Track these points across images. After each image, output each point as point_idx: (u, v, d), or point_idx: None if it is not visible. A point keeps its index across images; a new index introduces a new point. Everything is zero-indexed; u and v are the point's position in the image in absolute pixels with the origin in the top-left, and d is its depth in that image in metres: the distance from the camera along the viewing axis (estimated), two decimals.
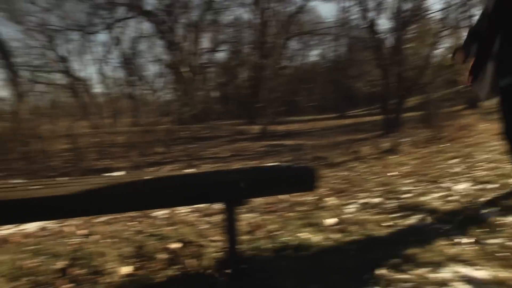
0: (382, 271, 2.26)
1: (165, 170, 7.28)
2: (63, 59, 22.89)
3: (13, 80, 15.28)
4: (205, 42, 26.31)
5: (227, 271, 2.38)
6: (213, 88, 27.34)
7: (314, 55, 47.16)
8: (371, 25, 15.05)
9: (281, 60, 19.67)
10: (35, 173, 8.40)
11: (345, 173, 6.39)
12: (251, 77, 16.94)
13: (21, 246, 3.66)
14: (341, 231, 3.16)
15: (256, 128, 14.10)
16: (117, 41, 23.92)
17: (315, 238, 2.91)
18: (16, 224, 4.52)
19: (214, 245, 2.93)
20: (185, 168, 8.27)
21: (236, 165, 8.19)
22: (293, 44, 26.67)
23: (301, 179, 2.21)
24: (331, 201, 4.38)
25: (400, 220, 3.40)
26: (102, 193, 1.88)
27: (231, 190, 2.08)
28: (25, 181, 2.38)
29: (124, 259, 2.85)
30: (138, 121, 15.76)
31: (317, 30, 24.35)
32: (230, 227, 2.23)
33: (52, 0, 21.96)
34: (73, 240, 3.71)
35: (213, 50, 25.07)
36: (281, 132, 15.03)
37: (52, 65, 22.46)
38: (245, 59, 21.59)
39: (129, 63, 24.80)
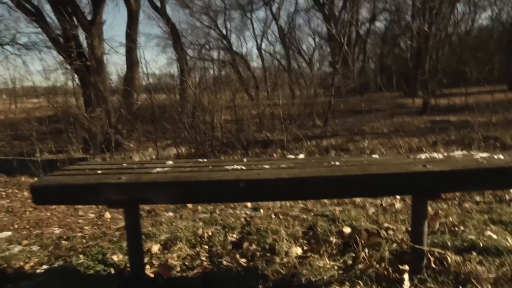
0: None
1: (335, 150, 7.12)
2: (225, 37, 24.29)
3: (181, 57, 16.69)
4: (364, 11, 25.30)
5: (405, 267, 2.16)
6: (372, 60, 26.27)
7: (485, 18, 41.95)
8: None
9: (447, 26, 17.87)
10: (200, 143, 8.96)
11: None
12: (413, 47, 15.73)
13: (196, 213, 3.93)
14: None
15: (417, 102, 13.11)
16: (275, 16, 24.46)
17: (504, 240, 2.44)
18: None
19: (391, 236, 2.70)
20: (345, 142, 8.07)
21: (399, 141, 7.71)
22: (461, 7, 23.95)
23: (505, 176, 1.86)
24: None
25: None
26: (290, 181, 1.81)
27: (424, 182, 1.84)
28: (202, 160, 2.44)
29: (295, 239, 2.82)
30: (296, 94, 15.95)
31: None
32: (417, 222, 1.99)
33: None
34: (242, 213, 3.84)
35: (372, 19, 23.96)
36: (445, 106, 13.72)
37: (214, 42, 24.09)
38: (407, 27, 20.09)
39: (287, 37, 25.19)
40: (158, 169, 2.13)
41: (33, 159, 7.97)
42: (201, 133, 9.38)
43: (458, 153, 2.22)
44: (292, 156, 2.38)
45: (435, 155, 2.19)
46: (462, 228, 2.66)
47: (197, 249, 2.82)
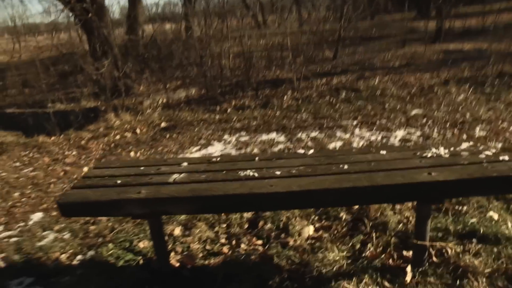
0: None
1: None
2: None
3: None
4: None
5: (409, 254, 2.32)
6: None
7: None
8: None
9: None
10: (209, 84, 8.95)
11: None
12: None
13: None
14: None
15: (430, 25, 12.63)
16: None
17: (503, 224, 2.53)
18: None
19: (398, 213, 2.86)
20: (355, 80, 8.01)
21: (410, 78, 7.64)
22: None
23: (508, 184, 1.95)
24: None
25: None
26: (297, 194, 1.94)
27: (429, 191, 1.94)
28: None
29: (307, 215, 2.98)
30: (304, 19, 15.47)
31: None
32: (420, 222, 2.13)
33: None
34: None
35: None
36: (459, 30, 13.13)
37: None
38: None
39: None
40: (174, 176, 2.25)
41: (46, 111, 8.11)
42: (210, 73, 9.36)
43: (464, 147, 2.29)
44: (302, 152, 2.48)
45: (441, 150, 2.26)
46: (465, 208, 2.78)
47: (216, 228, 3.02)
